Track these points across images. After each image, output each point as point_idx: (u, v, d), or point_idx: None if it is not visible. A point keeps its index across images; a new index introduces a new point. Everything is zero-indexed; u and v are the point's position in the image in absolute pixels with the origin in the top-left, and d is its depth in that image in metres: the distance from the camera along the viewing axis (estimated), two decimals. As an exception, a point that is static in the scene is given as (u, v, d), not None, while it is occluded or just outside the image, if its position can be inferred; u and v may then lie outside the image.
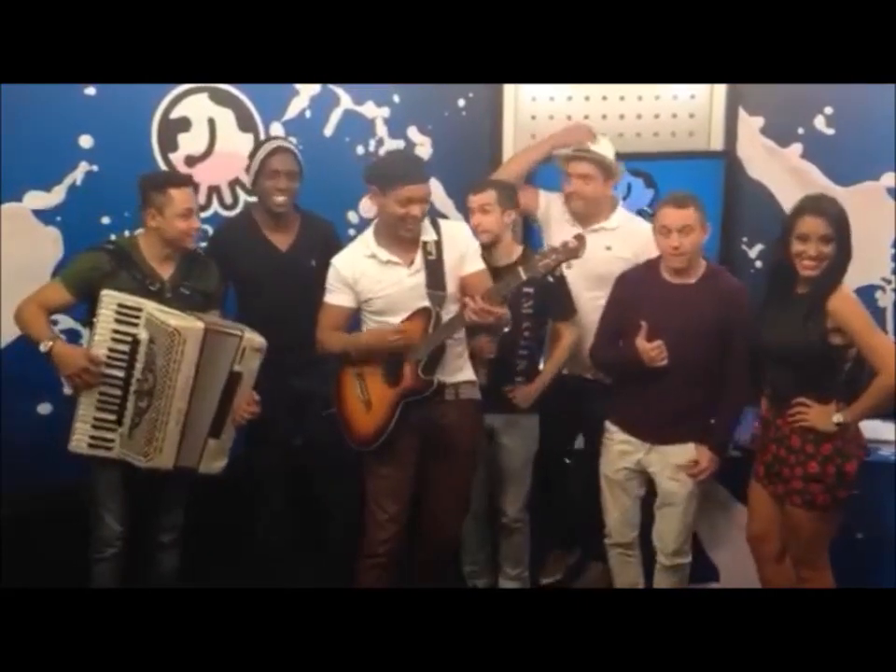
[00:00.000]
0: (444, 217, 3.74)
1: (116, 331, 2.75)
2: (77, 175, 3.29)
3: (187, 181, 2.90)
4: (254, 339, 2.86)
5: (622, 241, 3.29)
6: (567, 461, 3.62)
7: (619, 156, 3.44)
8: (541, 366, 3.34)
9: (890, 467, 3.17)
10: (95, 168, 3.30)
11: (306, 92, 3.68)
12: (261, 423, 2.96)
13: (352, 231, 3.72)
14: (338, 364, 2.99)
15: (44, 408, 3.31)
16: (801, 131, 3.80)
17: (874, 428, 2.99)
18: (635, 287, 3.07)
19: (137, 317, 2.74)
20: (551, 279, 3.09)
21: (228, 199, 3.62)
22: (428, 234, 2.92)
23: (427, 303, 2.86)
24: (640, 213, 3.70)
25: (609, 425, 3.15)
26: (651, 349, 2.88)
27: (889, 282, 3.77)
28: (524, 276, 2.74)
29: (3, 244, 3.15)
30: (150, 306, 2.75)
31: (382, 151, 3.84)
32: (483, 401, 3.07)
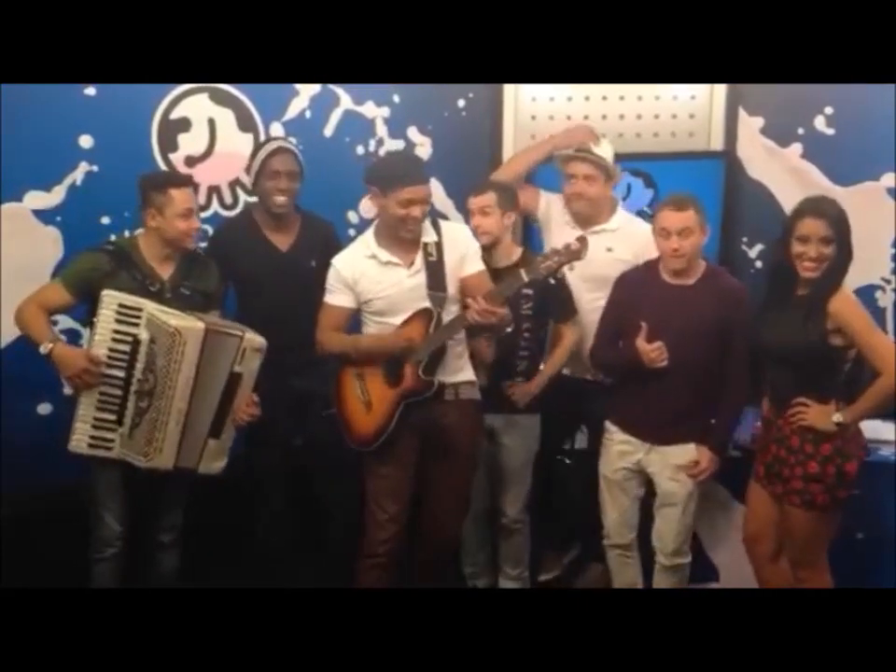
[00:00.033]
0: (444, 217, 3.74)
1: (116, 331, 2.75)
2: (77, 174, 3.29)
3: (187, 181, 2.90)
4: (254, 339, 2.86)
5: (622, 242, 3.29)
6: (567, 461, 3.62)
7: (619, 156, 3.44)
8: (542, 367, 3.34)
9: (890, 467, 3.17)
10: (95, 168, 3.30)
11: (306, 92, 3.68)
12: (261, 423, 2.96)
13: (352, 232, 3.72)
14: (338, 364, 2.99)
15: (44, 408, 3.31)
16: (801, 131, 3.80)
17: (874, 428, 2.99)
18: (634, 288, 3.07)
19: (138, 317, 2.74)
20: (552, 281, 3.09)
21: (228, 199, 3.62)
22: (429, 235, 2.92)
23: (427, 304, 2.86)
24: (640, 213, 3.70)
25: (608, 425, 3.15)
26: (652, 350, 2.88)
27: (888, 282, 3.77)
28: (525, 278, 2.74)
29: (3, 244, 3.15)
30: (151, 306, 2.75)
31: (382, 151, 3.84)
32: (484, 401, 3.07)
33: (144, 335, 2.74)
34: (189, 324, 2.74)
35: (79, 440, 2.79)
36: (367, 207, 3.74)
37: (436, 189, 3.65)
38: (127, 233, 3.23)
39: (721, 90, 3.88)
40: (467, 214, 3.32)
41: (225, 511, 3.21)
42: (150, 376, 2.75)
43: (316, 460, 3.30)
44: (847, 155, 3.73)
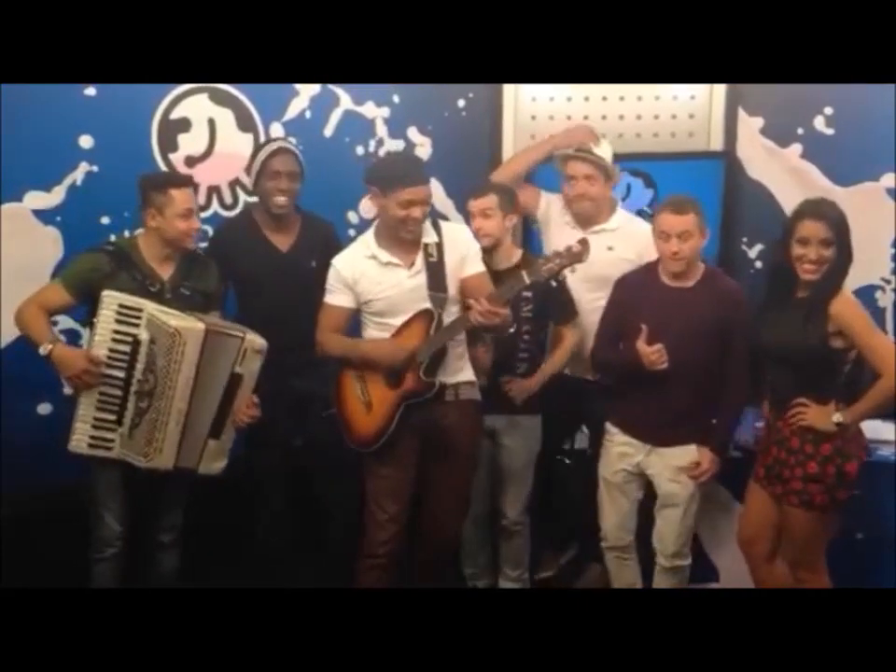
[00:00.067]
0: (444, 217, 3.75)
1: (116, 332, 2.75)
2: (77, 175, 3.29)
3: (187, 181, 2.90)
4: (255, 340, 2.86)
5: (623, 241, 3.29)
6: (567, 461, 3.62)
7: (618, 156, 3.44)
8: (542, 366, 3.33)
9: (890, 467, 3.17)
10: (95, 168, 3.30)
11: (306, 93, 3.68)
12: (262, 423, 2.96)
13: (352, 232, 3.72)
14: (338, 365, 2.99)
15: (44, 408, 3.31)
16: (801, 131, 3.81)
17: (874, 428, 2.99)
18: (634, 290, 3.07)
19: (138, 318, 2.74)
20: (553, 283, 3.09)
21: (228, 199, 3.62)
22: (429, 236, 2.92)
23: (426, 305, 2.86)
24: (640, 213, 3.71)
25: (609, 426, 3.15)
26: (652, 352, 2.88)
27: (888, 282, 3.78)
28: (527, 280, 2.73)
29: (3, 244, 3.15)
30: (151, 307, 2.75)
31: (382, 151, 3.84)
32: (485, 403, 3.07)
33: (144, 335, 2.74)
34: (189, 324, 2.74)
35: (79, 440, 2.79)
36: (367, 207, 3.74)
37: (436, 190, 3.65)
38: (127, 233, 3.23)
39: (720, 90, 3.88)
40: (467, 214, 3.32)
41: (225, 511, 3.21)
42: (150, 376, 2.75)
43: (316, 461, 3.30)
44: (847, 155, 3.74)
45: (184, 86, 3.44)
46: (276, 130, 3.65)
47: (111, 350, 2.76)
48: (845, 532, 2.94)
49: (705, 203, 3.03)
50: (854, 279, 2.81)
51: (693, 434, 3.02)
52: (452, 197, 3.92)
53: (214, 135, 3.55)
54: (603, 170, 3.30)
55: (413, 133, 3.92)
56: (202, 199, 3.46)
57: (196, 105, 3.49)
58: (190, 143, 3.50)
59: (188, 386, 2.76)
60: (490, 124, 4.00)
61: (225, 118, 3.56)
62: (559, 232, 3.39)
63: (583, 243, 2.73)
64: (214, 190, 3.59)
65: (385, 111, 3.85)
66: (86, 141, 3.28)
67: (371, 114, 3.83)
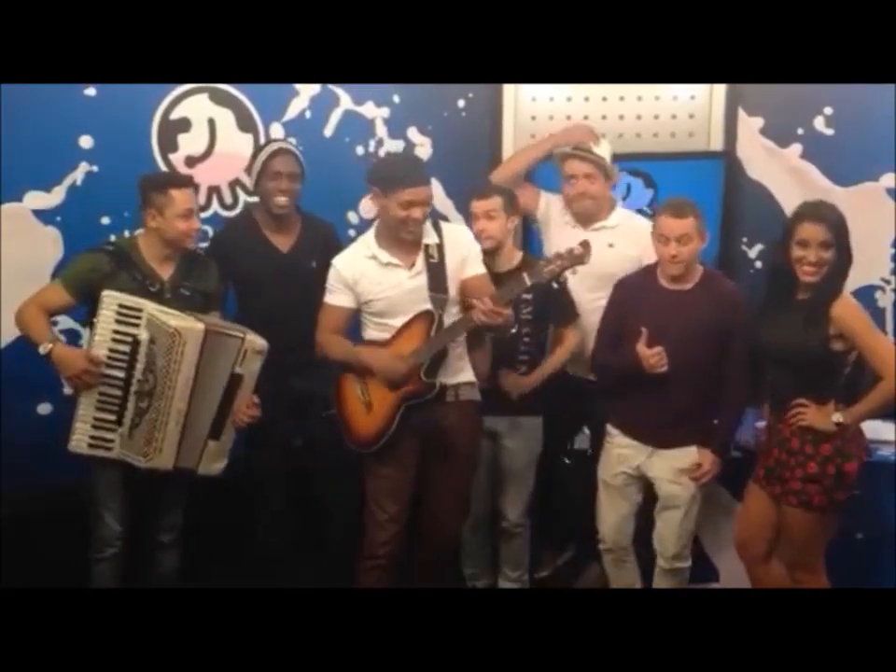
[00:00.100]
0: (444, 217, 3.75)
1: (116, 332, 2.75)
2: (77, 175, 3.29)
3: (187, 182, 2.90)
4: (255, 341, 2.86)
5: (624, 238, 3.29)
6: (567, 461, 3.62)
7: (618, 156, 3.44)
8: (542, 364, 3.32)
9: (890, 467, 3.17)
10: (95, 168, 3.30)
11: (306, 93, 3.68)
12: (262, 424, 2.96)
13: (352, 232, 3.72)
14: (339, 365, 2.98)
15: (44, 408, 3.31)
16: (800, 131, 3.81)
17: (874, 429, 2.99)
18: (632, 293, 3.07)
19: (138, 318, 2.74)
20: (554, 285, 3.09)
21: (228, 199, 3.63)
22: (430, 237, 2.91)
23: (426, 306, 2.85)
24: (640, 213, 3.69)
25: (609, 428, 3.15)
26: (652, 355, 2.88)
27: (888, 282, 3.78)
28: (528, 282, 2.72)
29: (3, 244, 3.15)
30: (151, 307, 2.75)
31: (382, 152, 3.84)
32: (486, 404, 3.07)
33: (144, 335, 2.74)
34: (189, 324, 2.74)
35: (79, 440, 2.79)
36: (367, 208, 3.74)
37: (436, 190, 3.63)
38: (127, 233, 3.23)
39: (720, 90, 3.88)
40: (467, 214, 3.32)
41: (225, 511, 3.21)
42: (150, 376, 2.75)
43: (316, 461, 3.30)
44: (847, 155, 3.74)
45: (184, 86, 3.44)
46: (276, 130, 3.65)
47: (111, 350, 2.76)
48: (844, 532, 2.93)
49: (705, 204, 3.03)
50: (854, 279, 2.82)
51: (693, 435, 3.02)
52: (452, 197, 3.91)
53: (214, 135, 3.55)
54: (602, 169, 3.30)
55: (412, 133, 3.92)
56: (202, 199, 3.46)
57: (196, 105, 3.49)
58: (190, 143, 3.51)
59: (187, 387, 2.76)
60: (490, 124, 4.00)
61: (225, 118, 3.56)
62: (559, 232, 3.39)
63: (585, 245, 2.73)
64: (214, 190, 3.59)
65: (385, 111, 3.85)
66: (86, 141, 3.29)
67: (370, 114, 3.83)
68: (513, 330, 3.07)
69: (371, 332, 2.95)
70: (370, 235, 2.96)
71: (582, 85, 3.92)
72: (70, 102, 3.21)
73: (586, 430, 3.59)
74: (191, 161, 3.51)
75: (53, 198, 3.26)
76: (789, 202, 3.64)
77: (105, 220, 3.34)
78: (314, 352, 2.98)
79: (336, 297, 2.93)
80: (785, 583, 2.89)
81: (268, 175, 3.14)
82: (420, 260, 2.89)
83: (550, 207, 3.47)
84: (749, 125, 3.87)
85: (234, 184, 3.62)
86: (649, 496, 3.15)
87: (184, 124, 3.48)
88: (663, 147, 3.95)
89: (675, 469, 3.03)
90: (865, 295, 3.52)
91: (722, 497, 3.30)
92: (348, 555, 3.03)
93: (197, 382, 2.77)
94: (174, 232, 2.81)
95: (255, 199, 3.34)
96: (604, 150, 3.34)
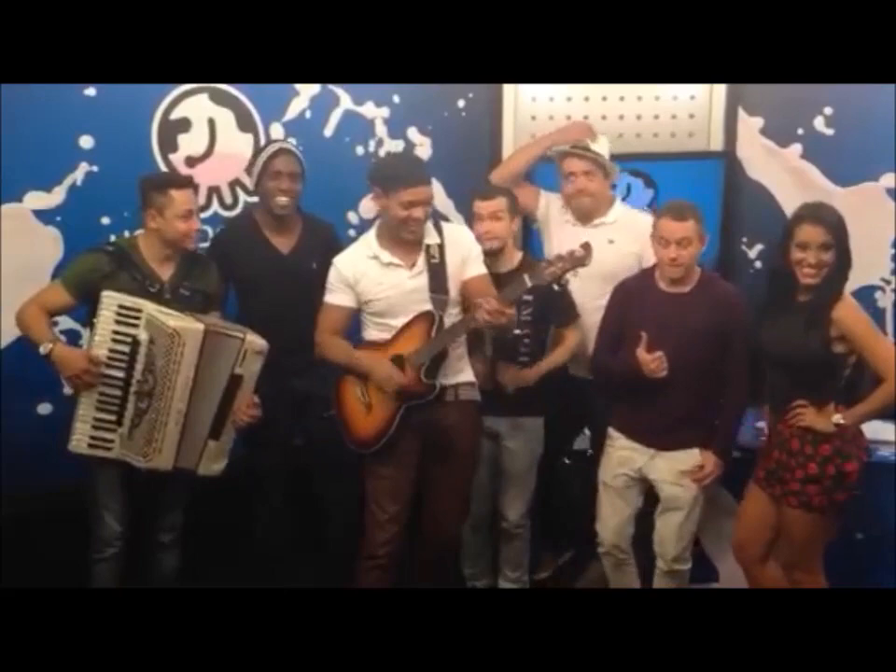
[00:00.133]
0: (444, 217, 3.74)
1: (116, 332, 2.75)
2: (77, 175, 3.28)
3: (187, 182, 2.90)
4: (256, 341, 2.86)
5: (623, 233, 3.30)
6: (567, 461, 3.62)
7: (619, 156, 3.44)
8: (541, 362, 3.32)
9: (890, 467, 3.17)
10: (95, 168, 3.30)
11: (306, 92, 3.68)
12: (262, 424, 2.96)
13: (352, 232, 3.72)
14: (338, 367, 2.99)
15: (44, 408, 3.30)
16: (800, 131, 3.80)
17: (874, 429, 2.98)
18: (631, 297, 3.06)
19: (137, 318, 2.74)
20: (556, 287, 3.08)
21: (228, 199, 3.62)
22: (431, 237, 2.92)
23: (427, 307, 2.86)
24: (640, 213, 3.70)
25: (611, 431, 3.14)
26: (652, 360, 2.87)
27: (888, 282, 3.77)
28: (529, 284, 2.71)
29: (3, 244, 3.15)
30: (150, 307, 2.75)
31: (382, 152, 3.84)
32: (488, 405, 3.07)
33: (143, 336, 2.74)
34: (188, 325, 2.74)
35: (79, 440, 2.79)
36: (367, 208, 3.74)
37: (436, 190, 3.61)
38: (127, 234, 3.23)
39: (720, 90, 3.88)
40: (467, 214, 3.32)
41: (225, 510, 3.20)
42: (150, 377, 2.75)
43: (316, 461, 3.30)
44: (847, 155, 3.74)
45: (184, 86, 3.43)
46: (276, 130, 3.64)
47: (111, 350, 2.76)
48: (844, 532, 2.93)
49: (705, 204, 3.03)
50: (854, 279, 2.81)
51: (695, 437, 3.01)
52: (452, 197, 3.91)
53: (214, 135, 3.55)
54: (600, 166, 3.31)
55: (412, 132, 3.92)
56: (202, 199, 3.46)
57: (196, 105, 3.49)
58: (190, 143, 3.50)
59: (186, 387, 2.76)
60: (490, 124, 4.00)
61: (225, 118, 3.56)
62: (559, 231, 3.39)
63: (586, 247, 2.72)
64: (214, 190, 3.58)
65: (385, 111, 3.85)
66: (86, 141, 3.28)
67: (370, 114, 3.83)
68: (517, 331, 3.07)
69: (371, 332, 2.96)
70: (371, 235, 2.96)
71: (582, 85, 3.92)
72: (70, 102, 3.21)
73: (586, 431, 3.59)
74: (191, 162, 3.51)
75: (53, 198, 3.26)
76: (789, 202, 3.64)
77: (105, 220, 3.33)
78: (314, 353, 2.97)
79: (336, 296, 2.93)
80: (782, 585, 2.90)
81: (269, 175, 3.14)
82: (421, 260, 2.89)
83: (549, 206, 3.47)
84: (749, 125, 3.87)
85: (234, 184, 3.61)
86: (648, 498, 3.15)
87: (184, 124, 3.48)
88: (663, 146, 3.94)
89: (677, 470, 3.03)
90: (865, 295, 3.52)
91: (723, 497, 3.30)
92: (348, 555, 3.04)
93: (197, 382, 2.77)
94: (174, 233, 2.81)
95: (255, 199, 3.34)
96: (601, 147, 3.34)
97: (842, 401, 2.73)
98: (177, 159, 3.47)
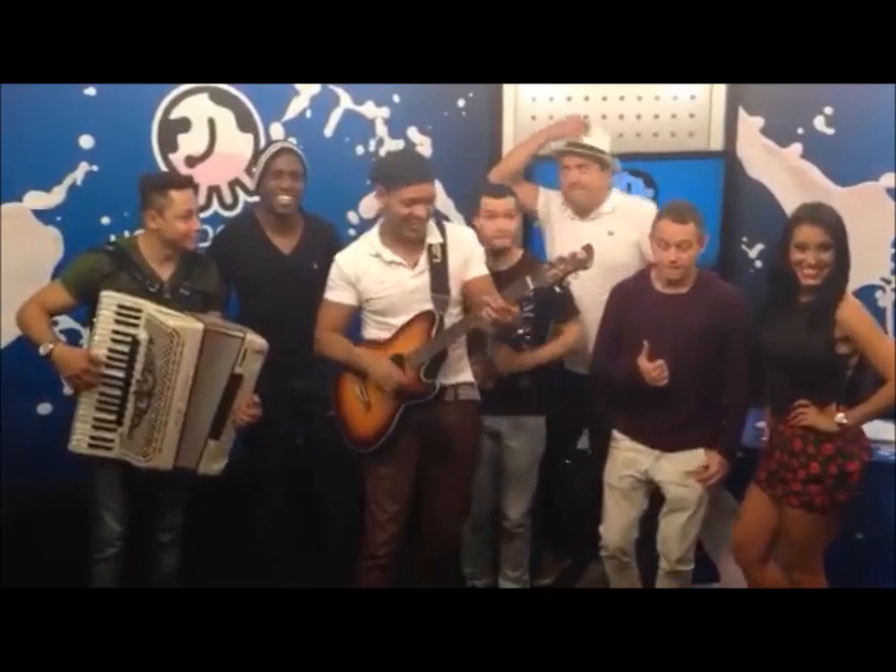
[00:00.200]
0: (444, 216, 3.74)
1: (116, 332, 2.76)
2: (77, 175, 3.28)
3: (187, 183, 2.90)
4: (256, 341, 2.86)
5: (622, 222, 3.30)
6: (567, 461, 3.61)
7: (619, 156, 3.44)
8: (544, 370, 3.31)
9: (890, 467, 3.17)
10: (95, 168, 3.30)
11: (306, 92, 3.68)
12: (262, 424, 2.96)
13: (352, 232, 3.72)
14: (338, 364, 2.98)
15: (44, 408, 3.30)
16: (801, 131, 3.80)
17: (874, 429, 2.98)
18: (629, 298, 3.06)
19: (137, 318, 2.75)
20: (557, 289, 3.07)
21: (228, 199, 3.62)
22: (434, 237, 2.91)
23: (428, 306, 2.85)
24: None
25: (615, 433, 3.13)
26: (653, 369, 2.85)
27: (888, 282, 3.77)
28: (531, 286, 2.69)
29: (3, 244, 3.15)
30: (150, 307, 2.75)
31: (382, 151, 3.84)
32: (489, 404, 3.07)
33: (143, 336, 2.74)
34: (188, 324, 2.74)
35: (79, 440, 2.79)
36: (367, 208, 3.74)
37: (436, 189, 3.64)
38: (127, 233, 3.23)
39: (720, 90, 3.88)
40: (467, 214, 3.31)
41: (225, 510, 3.20)
42: (149, 377, 2.75)
43: (316, 460, 3.30)
44: (847, 155, 3.73)
45: (184, 86, 3.43)
46: (276, 130, 3.64)
47: (110, 350, 2.76)
48: (844, 532, 2.93)
49: (705, 203, 3.03)
50: (854, 279, 2.81)
51: (700, 438, 3.01)
52: (452, 196, 3.92)
53: (214, 135, 3.55)
54: (596, 158, 3.31)
55: (412, 132, 3.92)
56: (202, 199, 3.45)
57: (196, 105, 3.49)
58: (190, 143, 3.50)
59: (186, 386, 2.76)
60: (490, 124, 4.00)
61: (225, 118, 3.55)
62: (560, 226, 3.41)
63: (588, 249, 2.71)
64: (214, 190, 3.58)
65: (385, 111, 3.85)
66: (86, 141, 3.28)
67: (371, 114, 3.83)
68: (521, 331, 3.06)
69: (371, 331, 2.95)
70: (374, 233, 2.95)
71: (582, 85, 3.92)
72: (70, 102, 3.21)
73: (586, 430, 3.59)
74: (191, 161, 3.50)
75: (53, 198, 3.26)
76: (789, 201, 3.64)
77: (105, 220, 3.33)
78: (313, 350, 2.97)
79: (337, 293, 2.93)
80: (782, 585, 2.89)
81: (270, 174, 3.14)
82: (423, 260, 2.88)
83: (549, 203, 3.48)
84: (749, 125, 3.87)
85: (234, 184, 3.61)
86: (652, 500, 3.14)
87: (184, 124, 3.48)
88: (663, 146, 3.94)
89: (682, 471, 3.02)
90: (865, 295, 3.51)
91: (724, 498, 3.29)
92: (348, 555, 3.04)
93: (196, 381, 2.77)
94: (173, 233, 2.81)
95: (255, 199, 3.34)
96: (596, 139, 3.35)
97: (843, 402, 2.73)
98: (177, 158, 3.47)
